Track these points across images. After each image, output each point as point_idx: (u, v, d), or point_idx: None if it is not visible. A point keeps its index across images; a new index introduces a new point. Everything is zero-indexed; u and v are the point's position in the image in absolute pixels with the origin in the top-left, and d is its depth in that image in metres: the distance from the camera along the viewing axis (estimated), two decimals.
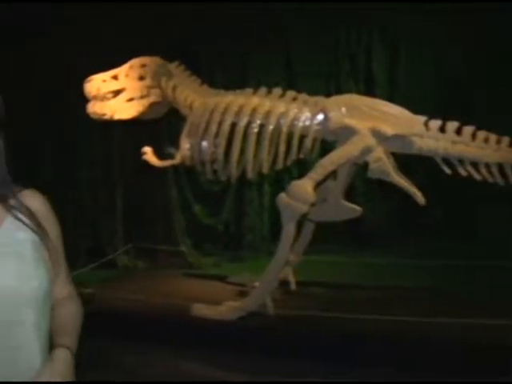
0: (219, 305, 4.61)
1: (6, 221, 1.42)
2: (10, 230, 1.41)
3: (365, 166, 4.43)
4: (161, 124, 6.19)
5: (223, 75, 6.75)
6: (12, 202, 1.45)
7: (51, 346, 1.44)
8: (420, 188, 4.31)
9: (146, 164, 5.19)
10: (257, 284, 4.76)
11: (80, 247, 6.69)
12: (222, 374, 4.04)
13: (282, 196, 4.27)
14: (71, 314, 1.56)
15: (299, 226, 4.65)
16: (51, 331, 1.47)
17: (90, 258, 6.53)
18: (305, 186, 4.21)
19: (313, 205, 4.32)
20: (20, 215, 1.43)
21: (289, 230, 4.28)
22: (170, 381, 3.90)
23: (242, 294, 4.98)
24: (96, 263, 6.40)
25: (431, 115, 4.35)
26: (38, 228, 1.45)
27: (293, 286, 5.20)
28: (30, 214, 1.46)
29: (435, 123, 4.24)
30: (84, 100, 5.27)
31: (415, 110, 4.38)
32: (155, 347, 4.42)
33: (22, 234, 1.42)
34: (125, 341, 4.50)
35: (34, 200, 1.50)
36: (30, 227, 1.43)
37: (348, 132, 4.28)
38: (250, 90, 4.70)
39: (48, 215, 1.52)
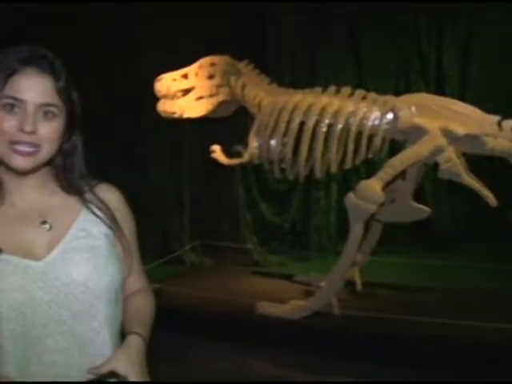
0: (285, 303, 4.61)
1: (82, 214, 1.45)
2: (85, 224, 1.44)
3: (435, 167, 4.35)
4: (229, 122, 6.23)
5: (292, 74, 6.73)
6: (88, 195, 1.49)
7: (122, 340, 1.45)
8: (491, 189, 4.20)
9: (215, 162, 5.24)
10: (323, 284, 4.74)
11: (148, 243, 6.81)
12: (285, 372, 4.04)
13: (351, 196, 4.23)
14: (144, 306, 1.59)
15: (367, 226, 4.59)
16: (124, 324, 1.50)
17: (158, 254, 6.64)
18: (374, 186, 4.16)
19: (381, 205, 4.26)
20: (95, 209, 1.47)
21: (356, 230, 4.24)
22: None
23: (308, 294, 4.97)
24: (163, 259, 6.50)
25: (504, 115, 4.22)
26: (113, 222, 1.49)
27: (359, 287, 5.15)
28: (106, 208, 1.49)
29: (508, 123, 4.11)
30: (154, 98, 5.37)
31: (488, 110, 4.26)
32: (220, 343, 4.46)
33: (96, 227, 1.45)
34: (190, 336, 4.57)
35: (109, 194, 1.54)
36: (104, 221, 1.47)
37: (418, 132, 4.20)
38: (318, 89, 4.67)
39: (123, 209, 1.56)
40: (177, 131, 6.92)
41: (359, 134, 4.39)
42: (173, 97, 5.26)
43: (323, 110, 4.46)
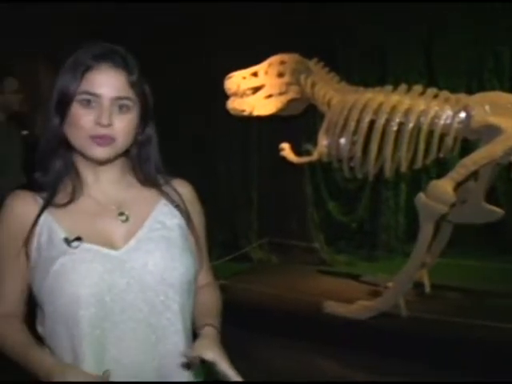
0: (351, 303, 4.59)
1: (158, 206, 1.51)
2: (160, 216, 1.50)
3: (508, 167, 4.24)
4: (298, 121, 6.23)
5: (362, 72, 6.67)
6: (164, 188, 1.55)
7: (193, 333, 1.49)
8: None
9: (284, 160, 5.26)
10: (390, 284, 4.69)
11: (216, 240, 6.89)
12: (350, 372, 4.03)
13: (421, 196, 4.16)
14: (214, 299, 1.62)
15: (437, 227, 4.51)
16: (194, 317, 1.54)
17: (225, 251, 6.71)
18: (445, 186, 4.08)
19: (452, 206, 4.18)
20: (171, 202, 1.53)
21: (426, 230, 4.17)
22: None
23: (375, 294, 4.92)
24: (230, 256, 6.56)
25: None
26: (187, 215, 1.54)
27: (427, 289, 5.06)
28: (181, 201, 1.54)
29: None
30: (224, 96, 5.43)
31: None
32: (285, 341, 4.47)
33: (171, 219, 1.50)
34: (255, 333, 4.59)
35: (184, 188, 1.59)
36: (179, 214, 1.52)
37: (492, 131, 4.09)
38: (389, 88, 4.61)
39: (196, 204, 1.61)
40: (246, 129, 6.97)
41: (430, 133, 4.32)
42: (242, 95, 5.31)
43: (394, 108, 4.39)
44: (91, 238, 1.38)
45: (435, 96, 4.41)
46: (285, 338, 4.50)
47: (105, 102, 1.35)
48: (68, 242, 1.36)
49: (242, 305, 4.88)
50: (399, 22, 6.40)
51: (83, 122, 1.36)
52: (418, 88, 4.49)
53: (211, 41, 6.73)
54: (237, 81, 5.31)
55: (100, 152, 1.38)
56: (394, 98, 4.46)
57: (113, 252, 1.39)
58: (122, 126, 1.38)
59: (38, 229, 1.39)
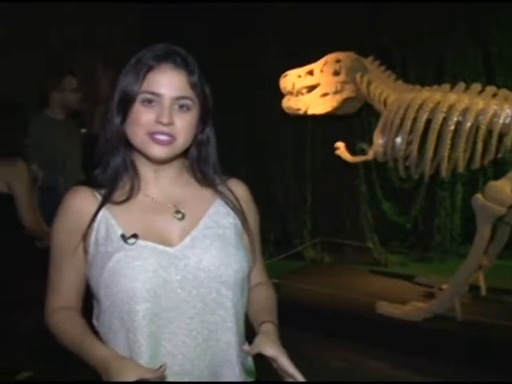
0: (404, 304, 4.54)
1: (214, 205, 1.53)
2: (216, 215, 1.52)
3: None
4: (353, 119, 6.20)
5: (418, 70, 6.58)
6: (220, 187, 1.57)
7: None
8: None
9: (338, 159, 5.24)
10: (445, 286, 4.63)
11: (268, 238, 6.91)
12: (402, 374, 4.00)
13: (478, 197, 4.09)
14: (270, 297, 1.64)
15: (494, 228, 4.41)
16: (250, 314, 1.57)
17: (278, 250, 6.73)
18: (503, 187, 4.00)
19: (510, 207, 4.10)
20: (227, 201, 1.55)
21: (483, 232, 4.09)
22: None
23: (429, 296, 4.87)
24: (283, 255, 6.57)
25: None
26: (242, 214, 1.56)
27: (483, 292, 4.96)
28: (236, 201, 1.56)
29: None
30: (278, 95, 5.44)
31: None
32: (337, 341, 4.47)
33: (226, 218, 1.52)
34: (307, 332, 4.59)
35: (239, 188, 1.62)
36: (235, 213, 1.54)
37: None
38: (447, 86, 4.52)
39: (250, 203, 1.63)
40: (300, 128, 6.96)
41: (489, 132, 4.23)
42: (297, 93, 5.31)
43: (451, 107, 4.30)
44: (147, 235, 1.41)
45: (494, 95, 4.30)
46: (336, 337, 4.49)
47: (166, 102, 1.38)
48: (125, 238, 1.39)
49: (294, 303, 4.88)
50: (456, 20, 6.29)
51: (144, 121, 1.39)
52: (476, 86, 4.38)
53: (265, 38, 6.75)
54: (292, 79, 5.31)
55: (160, 151, 1.40)
56: (452, 96, 4.36)
57: (168, 249, 1.42)
58: (183, 126, 1.41)
59: (96, 224, 1.42)
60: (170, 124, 1.38)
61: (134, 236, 1.39)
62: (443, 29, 6.35)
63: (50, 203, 4.01)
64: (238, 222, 1.54)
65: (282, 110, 5.53)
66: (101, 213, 1.43)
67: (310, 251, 6.98)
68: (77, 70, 4.70)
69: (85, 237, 1.43)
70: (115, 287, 1.36)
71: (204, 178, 1.55)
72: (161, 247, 1.41)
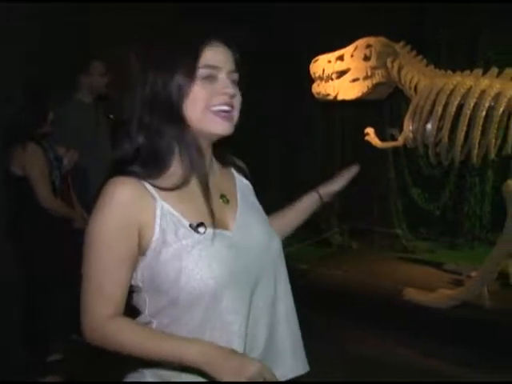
0: (432, 291, 4.53)
1: (237, 184, 1.63)
2: (243, 191, 1.62)
3: None
4: (383, 105, 6.15)
5: (450, 56, 6.49)
6: (235, 167, 1.67)
7: None
8: None
9: (368, 144, 5.20)
10: (473, 274, 4.60)
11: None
12: (427, 361, 4.01)
13: (509, 183, 4.05)
14: None
15: None
16: (286, 224, 1.81)
17: (306, 235, 6.73)
18: None
19: None
20: (244, 178, 1.67)
21: None
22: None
23: (457, 283, 4.84)
24: (311, 241, 6.58)
25: None
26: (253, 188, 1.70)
27: None
28: (247, 177, 1.69)
29: None
30: (308, 80, 5.42)
31: None
32: (364, 327, 4.47)
33: (251, 195, 1.64)
34: (334, 317, 4.61)
35: (241, 163, 1.71)
36: (252, 189, 1.68)
37: None
38: (479, 71, 4.45)
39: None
40: (330, 113, 6.93)
41: None
42: (328, 79, 5.28)
43: (483, 92, 4.23)
44: (209, 222, 1.40)
45: None
46: (364, 323, 4.49)
47: (224, 75, 1.40)
48: (193, 228, 1.37)
49: (322, 289, 4.91)
50: (489, 4, 6.18)
51: (205, 94, 1.38)
52: (509, 71, 4.30)
53: (297, 24, 6.71)
54: (322, 64, 5.28)
55: (223, 126, 1.40)
56: (484, 82, 4.29)
57: (227, 233, 1.44)
58: (238, 100, 1.44)
59: (157, 218, 1.35)
60: (235, 96, 1.41)
61: (201, 225, 1.38)
62: (475, 13, 6.24)
63: (81, 185, 4.12)
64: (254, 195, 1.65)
65: (312, 95, 5.51)
66: (159, 205, 1.36)
67: (337, 237, 6.98)
68: (107, 55, 4.75)
69: (142, 231, 1.35)
70: (193, 278, 1.32)
71: (225, 159, 1.61)
72: (224, 232, 1.43)
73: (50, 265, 3.65)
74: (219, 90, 1.38)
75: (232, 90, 1.39)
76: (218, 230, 1.40)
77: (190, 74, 1.37)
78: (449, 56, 6.44)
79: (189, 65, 1.37)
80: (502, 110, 4.15)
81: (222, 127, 1.40)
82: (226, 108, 1.39)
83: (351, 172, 2.00)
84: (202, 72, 1.38)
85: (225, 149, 1.57)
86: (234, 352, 1.30)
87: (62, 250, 3.56)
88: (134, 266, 1.37)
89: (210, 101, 1.38)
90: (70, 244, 3.28)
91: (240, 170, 1.66)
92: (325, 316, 4.54)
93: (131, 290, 1.43)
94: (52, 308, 3.83)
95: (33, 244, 3.67)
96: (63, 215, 3.77)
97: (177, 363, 1.31)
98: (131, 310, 1.45)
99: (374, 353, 4.16)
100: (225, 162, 1.60)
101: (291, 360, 1.53)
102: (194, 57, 1.38)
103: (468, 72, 4.52)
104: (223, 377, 1.26)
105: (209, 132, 1.41)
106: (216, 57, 1.40)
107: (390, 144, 5.16)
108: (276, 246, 1.52)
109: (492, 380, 3.67)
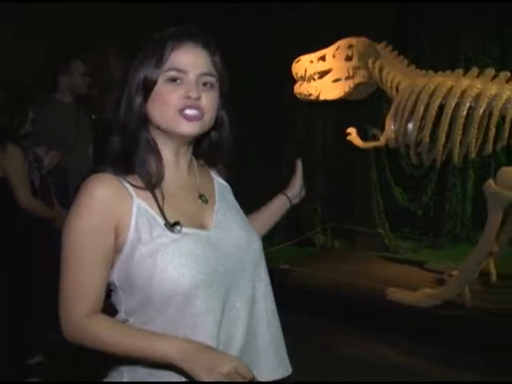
0: (414, 291, 4.54)
1: (215, 184, 1.64)
2: (221, 191, 1.63)
3: None
4: (365, 105, 6.16)
5: (431, 55, 6.51)
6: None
7: None
8: None
9: (349, 145, 5.22)
10: (455, 273, 4.62)
11: (279, 224, 6.88)
12: (410, 360, 4.01)
13: (490, 183, 4.07)
14: None
15: (505, 215, 4.39)
16: (261, 221, 1.93)
17: (288, 235, 6.74)
18: None
19: None
20: (220, 179, 1.68)
21: (494, 218, 4.08)
22: None
23: (439, 282, 4.87)
24: (293, 240, 6.59)
25: None
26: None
27: (493, 279, 4.97)
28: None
29: None
30: (290, 80, 5.42)
31: None
32: (346, 327, 4.48)
33: (229, 195, 1.66)
34: (316, 318, 4.60)
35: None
36: (230, 189, 1.70)
37: None
38: (460, 71, 4.48)
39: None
40: (312, 113, 6.94)
41: (501, 118, 4.20)
42: (309, 79, 5.29)
43: (464, 92, 4.25)
44: (185, 221, 1.40)
45: (508, 80, 4.27)
46: (346, 324, 4.50)
47: (191, 78, 1.40)
48: (168, 227, 1.36)
49: (304, 289, 4.91)
50: (470, 3, 6.21)
51: (171, 98, 1.39)
52: (490, 72, 4.33)
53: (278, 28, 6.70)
54: (304, 65, 5.29)
55: (189, 127, 1.40)
56: (465, 82, 4.31)
57: (205, 233, 1.44)
58: (208, 102, 1.42)
59: (133, 216, 1.36)
60: (199, 99, 1.39)
61: (177, 223, 1.37)
62: (458, 13, 6.28)
63: (60, 185, 4.08)
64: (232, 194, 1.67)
65: (294, 96, 5.51)
66: (135, 203, 1.37)
67: (320, 237, 6.99)
68: (88, 55, 4.72)
69: (118, 229, 1.35)
70: (166, 277, 1.32)
71: (209, 160, 1.63)
72: (200, 232, 1.43)
73: (29, 266, 3.62)
74: (183, 92, 1.39)
75: (195, 93, 1.38)
76: (194, 230, 1.41)
77: (155, 76, 1.39)
78: (430, 56, 6.47)
79: (154, 67, 1.39)
80: (482, 110, 4.18)
81: (187, 128, 1.40)
82: (191, 111, 1.39)
83: (298, 168, 2.13)
84: (167, 74, 1.39)
85: (227, 152, 1.60)
86: (210, 348, 1.31)
87: (42, 251, 3.53)
88: (111, 264, 1.37)
89: (178, 104, 1.39)
90: (50, 245, 3.27)
91: (218, 171, 1.68)
92: (308, 316, 4.54)
93: (110, 289, 1.43)
94: (32, 309, 3.79)
95: (12, 245, 3.63)
96: (42, 216, 3.73)
97: (154, 360, 1.31)
98: (111, 308, 1.45)
99: (358, 352, 4.17)
100: (208, 163, 1.63)
101: (272, 360, 1.52)
102: (159, 59, 1.39)
103: (449, 72, 4.55)
104: (198, 373, 1.26)
105: (174, 132, 1.42)
106: (183, 60, 1.40)
107: (371, 144, 5.18)
108: (256, 245, 1.52)
109: (474, 380, 3.69)
